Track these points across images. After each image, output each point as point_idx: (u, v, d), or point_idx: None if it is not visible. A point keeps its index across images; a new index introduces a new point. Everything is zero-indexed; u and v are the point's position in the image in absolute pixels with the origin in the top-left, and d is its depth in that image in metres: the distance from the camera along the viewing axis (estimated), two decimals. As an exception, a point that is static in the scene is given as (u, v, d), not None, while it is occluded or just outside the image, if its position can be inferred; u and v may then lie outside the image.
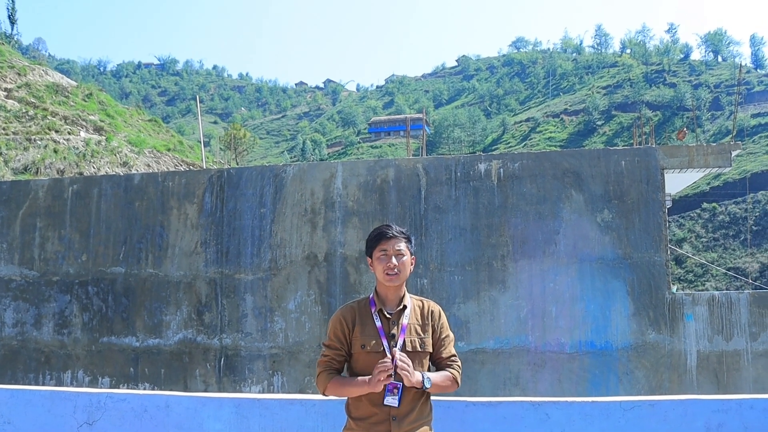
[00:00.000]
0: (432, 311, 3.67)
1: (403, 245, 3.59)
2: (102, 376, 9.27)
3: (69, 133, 25.98)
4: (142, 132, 32.35)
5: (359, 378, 3.44)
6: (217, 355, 8.98)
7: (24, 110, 26.52)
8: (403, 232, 3.64)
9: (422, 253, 8.63)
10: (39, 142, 23.77)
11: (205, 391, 8.83)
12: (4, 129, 24.32)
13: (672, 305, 8.15)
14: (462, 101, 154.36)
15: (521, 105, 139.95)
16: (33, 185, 9.91)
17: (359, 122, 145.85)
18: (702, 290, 54.47)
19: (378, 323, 3.54)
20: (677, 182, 10.21)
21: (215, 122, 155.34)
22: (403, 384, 3.43)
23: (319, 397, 4.88)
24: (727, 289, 55.55)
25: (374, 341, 3.50)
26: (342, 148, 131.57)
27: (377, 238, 3.63)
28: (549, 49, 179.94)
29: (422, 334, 3.57)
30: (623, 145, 67.04)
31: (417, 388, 3.43)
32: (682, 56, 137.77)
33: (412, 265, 3.65)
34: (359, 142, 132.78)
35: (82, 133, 26.66)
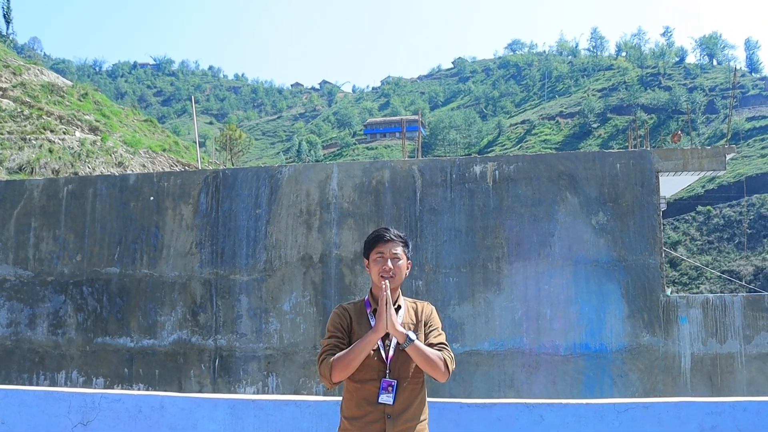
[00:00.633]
0: (424, 311, 3.72)
1: (399, 249, 3.62)
2: (96, 376, 9.25)
3: (64, 133, 25.93)
4: (137, 132, 32.31)
5: (361, 338, 3.43)
6: (212, 355, 8.97)
7: (19, 110, 26.47)
8: (400, 236, 3.67)
9: (417, 255, 8.63)
10: (34, 142, 23.73)
11: (200, 391, 8.82)
12: (-1, 128, 24.26)
13: (666, 308, 8.17)
14: (458, 103, 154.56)
15: (517, 107, 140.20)
16: (28, 185, 9.89)
17: (355, 123, 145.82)
18: (696, 293, 54.62)
19: (373, 323, 3.55)
20: (672, 185, 10.24)
21: (211, 123, 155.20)
22: (398, 382, 3.46)
23: (314, 398, 4.89)
24: (721, 292, 55.66)
25: None
26: (337, 150, 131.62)
27: (374, 241, 3.64)
28: (545, 51, 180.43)
29: (416, 333, 3.58)
30: (618, 148, 67.16)
31: (399, 343, 3.43)
32: (677, 59, 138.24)
33: (407, 269, 3.68)
34: (355, 144, 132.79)
35: (78, 133, 26.61)
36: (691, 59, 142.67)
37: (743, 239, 65.63)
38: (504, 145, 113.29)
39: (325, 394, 8.47)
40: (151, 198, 9.37)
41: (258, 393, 8.70)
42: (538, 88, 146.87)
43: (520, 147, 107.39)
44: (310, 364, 8.64)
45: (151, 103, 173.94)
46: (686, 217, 71.29)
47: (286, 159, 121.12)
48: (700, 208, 71.06)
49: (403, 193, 8.82)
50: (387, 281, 3.45)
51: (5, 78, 29.42)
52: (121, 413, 5.11)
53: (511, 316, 8.37)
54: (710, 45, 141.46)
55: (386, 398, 3.44)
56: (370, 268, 3.65)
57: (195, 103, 50.07)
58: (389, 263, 3.57)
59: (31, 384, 9.30)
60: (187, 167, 29.31)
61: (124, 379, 9.16)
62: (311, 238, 8.93)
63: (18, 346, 9.50)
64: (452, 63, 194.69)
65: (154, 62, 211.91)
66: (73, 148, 24.64)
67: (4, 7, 56.21)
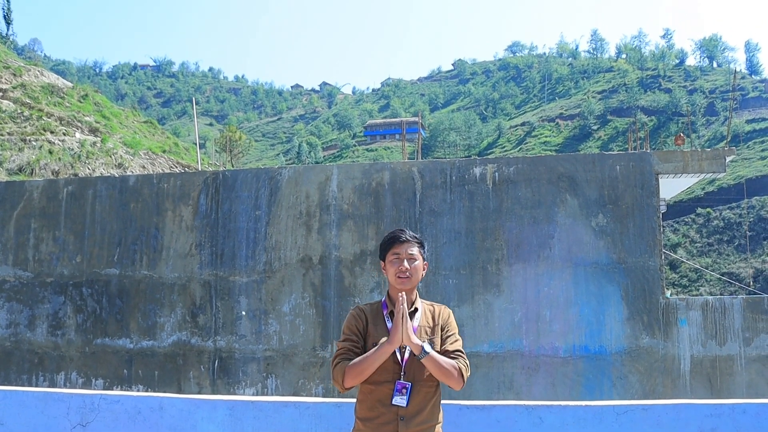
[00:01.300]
0: (441, 314, 3.73)
1: (415, 250, 3.65)
2: (95, 377, 9.25)
3: (64, 134, 25.93)
4: (137, 133, 32.30)
5: (376, 348, 3.44)
6: (211, 357, 8.97)
7: (19, 111, 26.47)
8: (416, 237, 3.70)
9: (417, 257, 8.61)
10: (34, 143, 23.72)
11: (199, 393, 8.82)
12: (-1, 129, 24.26)
13: (666, 310, 8.17)
14: (458, 105, 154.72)
15: (517, 109, 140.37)
16: (28, 186, 9.90)
17: (355, 125, 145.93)
18: (696, 295, 54.57)
19: (389, 324, 3.59)
20: (672, 187, 10.24)
21: (211, 124, 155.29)
22: (412, 384, 3.48)
23: (313, 399, 4.89)
24: (721, 294, 55.65)
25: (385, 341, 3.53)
26: (337, 151, 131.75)
27: (390, 242, 3.67)
28: (545, 53, 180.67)
29: (432, 336, 3.61)
30: (618, 150, 67.13)
31: (415, 354, 3.45)
32: (677, 62, 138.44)
33: (424, 270, 3.70)
34: (355, 145, 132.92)
35: (78, 134, 26.61)
36: (691, 61, 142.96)
37: (743, 241, 65.65)
38: (504, 147, 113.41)
39: (324, 396, 8.48)
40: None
41: (257, 394, 8.70)
42: (538, 90, 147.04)
43: (520, 149, 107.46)
44: (309, 366, 8.64)
45: (151, 104, 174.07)
46: (686, 219, 71.33)
47: (286, 160, 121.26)
48: (699, 210, 71.12)
49: (403, 194, 8.82)
50: (404, 294, 3.45)
51: (5, 79, 29.42)
52: (120, 414, 5.11)
53: (511, 318, 8.37)
54: (710, 47, 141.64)
55: (400, 400, 3.46)
56: (387, 269, 3.67)
57: (195, 104, 50.10)
58: (405, 264, 3.59)
59: (30, 385, 9.29)
60: (187, 169, 29.31)
61: (124, 380, 9.16)
62: (311, 239, 8.93)
63: (17, 347, 9.50)
64: (452, 65, 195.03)
65: (155, 63, 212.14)
66: (73, 149, 24.63)
67: (5, 8, 56.20)
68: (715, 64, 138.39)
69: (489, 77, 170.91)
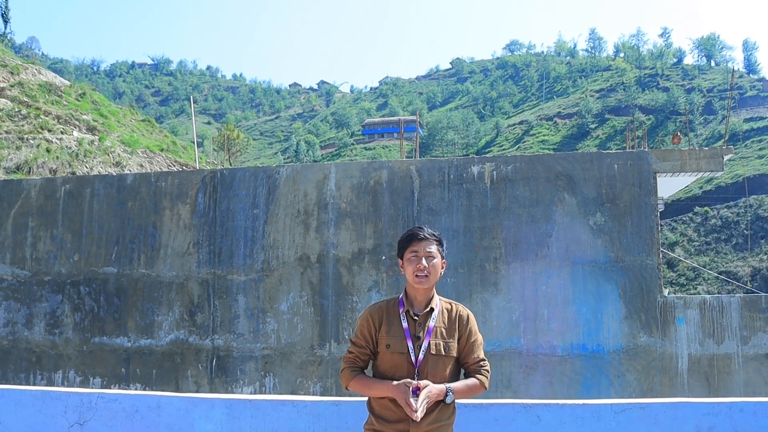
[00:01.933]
0: (460, 315, 3.68)
1: (434, 248, 3.60)
2: (93, 376, 9.24)
3: (62, 133, 25.90)
4: (135, 132, 32.28)
5: (383, 381, 3.49)
6: (209, 355, 8.97)
7: (17, 109, 26.44)
8: (434, 235, 3.65)
9: (415, 255, 8.61)
10: (31, 142, 23.70)
11: (197, 392, 8.81)
12: (-4, 128, 24.23)
13: (664, 308, 8.18)
14: (456, 104, 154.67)
15: (515, 108, 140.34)
16: (25, 184, 9.88)
17: (353, 124, 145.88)
18: (694, 294, 54.63)
19: (404, 324, 3.56)
20: (670, 186, 10.24)
21: (209, 123, 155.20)
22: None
23: (311, 398, 4.88)
24: (718, 293, 55.72)
25: (399, 342, 3.53)
26: (335, 150, 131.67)
27: (408, 240, 3.62)
28: (543, 52, 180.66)
29: (447, 338, 3.58)
30: (616, 149, 67.24)
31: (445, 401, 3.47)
32: (675, 60, 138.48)
33: (443, 268, 3.66)
34: (353, 144, 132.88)
35: (75, 133, 26.59)
36: (689, 60, 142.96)
37: (741, 240, 65.73)
38: (502, 145, 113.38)
39: (322, 395, 8.47)
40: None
41: (255, 393, 8.69)
42: (536, 88, 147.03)
43: (518, 147, 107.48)
44: (307, 365, 8.64)
45: (149, 102, 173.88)
46: (684, 218, 71.37)
47: (284, 159, 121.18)
48: (697, 209, 71.14)
49: (401, 193, 8.82)
50: (413, 400, 3.36)
51: (3, 77, 29.39)
52: (117, 413, 5.10)
53: (509, 317, 8.38)
54: (708, 46, 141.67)
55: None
56: (405, 267, 3.63)
57: (193, 103, 50.07)
58: (424, 262, 3.55)
59: (28, 384, 9.28)
60: (184, 167, 29.29)
61: (121, 379, 9.15)
62: (309, 238, 8.93)
63: (15, 345, 9.49)
64: (450, 63, 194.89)
65: (152, 62, 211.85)
66: (70, 147, 24.61)
67: (2, 6, 56.06)
68: (713, 63, 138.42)
69: (487, 76, 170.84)
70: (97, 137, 26.91)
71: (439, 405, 3.50)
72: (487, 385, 3.61)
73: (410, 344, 3.52)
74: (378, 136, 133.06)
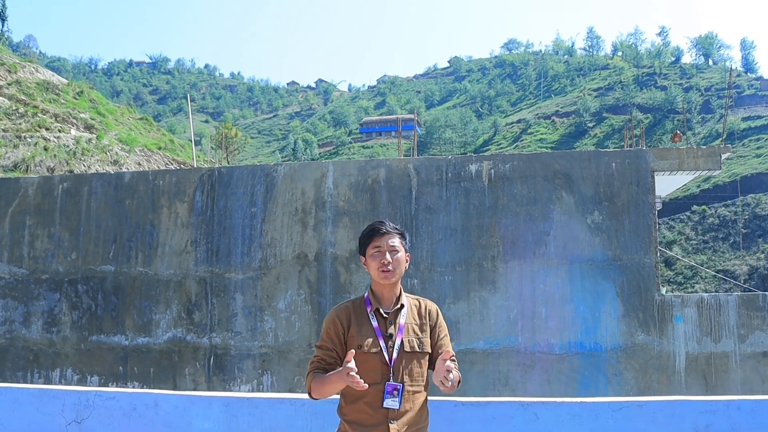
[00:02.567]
0: (429, 310, 3.58)
1: (397, 241, 3.47)
2: (91, 374, 9.24)
3: (59, 131, 25.87)
4: (132, 130, 32.24)
5: (330, 373, 3.29)
6: (207, 354, 8.97)
7: (14, 107, 26.39)
8: (396, 228, 3.52)
9: (413, 254, 8.63)
10: (29, 140, 23.67)
11: (195, 390, 8.81)
12: (-7, 126, 24.21)
13: (661, 307, 8.19)
14: (453, 102, 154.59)
15: (513, 106, 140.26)
16: (23, 183, 9.87)
17: (351, 122, 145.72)
18: (691, 292, 54.70)
19: (374, 323, 3.42)
20: (667, 184, 10.26)
21: (206, 121, 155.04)
22: (403, 386, 3.33)
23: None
24: (716, 292, 55.79)
25: (371, 341, 3.37)
26: (333, 148, 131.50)
27: (370, 235, 3.50)
28: (541, 51, 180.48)
29: (420, 334, 3.47)
30: (614, 147, 67.20)
31: (444, 385, 3.21)
32: (673, 59, 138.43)
33: (407, 261, 3.53)
34: (351, 142, 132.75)
35: (73, 131, 26.55)
36: (686, 59, 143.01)
37: (738, 239, 65.81)
38: (500, 144, 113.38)
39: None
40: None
41: (253, 391, 8.69)
42: (534, 87, 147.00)
43: (516, 146, 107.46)
44: (305, 363, 8.64)
45: (146, 101, 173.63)
46: (681, 217, 71.42)
47: (282, 157, 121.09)
48: (695, 207, 71.20)
49: (399, 191, 8.82)
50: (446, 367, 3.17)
51: (0, 76, 29.34)
52: (115, 411, 5.10)
53: (507, 315, 8.38)
54: (706, 45, 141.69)
55: (392, 403, 3.30)
56: (368, 264, 3.49)
57: (191, 101, 50.01)
58: (387, 256, 3.42)
59: (25, 382, 9.28)
60: (182, 165, 29.26)
61: (119, 377, 9.14)
62: (306, 236, 8.93)
63: (12, 344, 9.48)
64: (448, 62, 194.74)
65: (150, 60, 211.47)
66: (68, 146, 24.58)
67: (0, 4, 55.99)
68: (710, 62, 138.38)
69: (485, 74, 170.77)
70: (94, 135, 26.88)
71: (418, 403, 3.40)
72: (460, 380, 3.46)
73: (382, 343, 3.37)
74: (376, 134, 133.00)
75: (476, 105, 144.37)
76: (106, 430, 5.10)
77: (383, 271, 3.41)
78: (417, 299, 3.62)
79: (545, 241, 8.44)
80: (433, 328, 3.53)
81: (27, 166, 21.86)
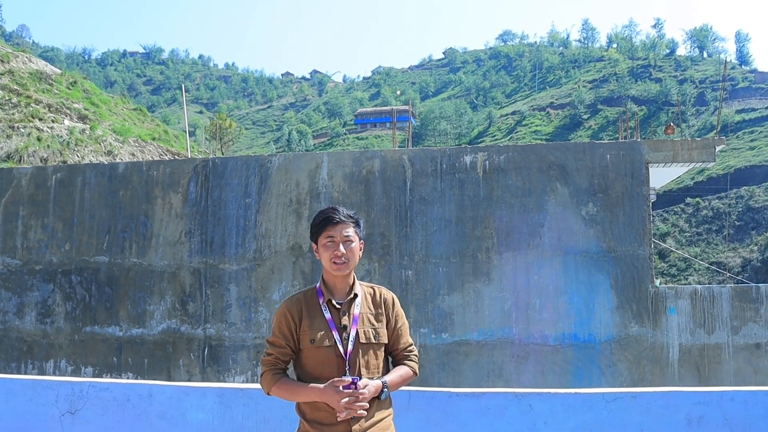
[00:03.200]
0: (385, 298, 3.41)
1: (351, 231, 3.30)
2: (85, 365, 9.23)
3: (53, 122, 25.78)
4: (126, 121, 32.16)
5: (311, 385, 3.15)
6: (201, 345, 8.96)
7: (7, 98, 26.29)
8: (351, 216, 3.34)
9: (407, 245, 8.63)
10: (22, 130, 23.59)
11: (189, 380, 8.81)
12: (-14, 116, 24.10)
13: (655, 299, 8.21)
14: (448, 94, 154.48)
15: (507, 98, 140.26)
16: (16, 173, 9.83)
17: (345, 113, 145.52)
18: (685, 284, 54.87)
19: (327, 315, 3.26)
20: (662, 176, 10.26)
21: (201, 112, 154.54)
22: (359, 378, 3.15)
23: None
24: (709, 284, 55.98)
25: (324, 335, 3.21)
26: (328, 140, 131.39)
27: (323, 224, 3.30)
28: (536, 42, 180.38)
29: (376, 324, 3.31)
30: (608, 139, 67.36)
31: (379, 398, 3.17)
32: (668, 51, 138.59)
33: (360, 251, 3.39)
34: (345, 134, 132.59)
35: (66, 122, 26.46)
36: (681, 51, 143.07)
37: (731, 231, 66.00)
38: (494, 135, 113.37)
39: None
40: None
41: (247, 382, 8.69)
42: (528, 79, 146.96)
43: (511, 138, 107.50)
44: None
45: (140, 91, 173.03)
46: (675, 209, 71.58)
47: (276, 148, 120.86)
48: (689, 199, 71.37)
49: (394, 182, 8.81)
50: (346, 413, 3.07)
51: (-7, 65, 29.21)
52: (109, 402, 5.10)
53: (501, 307, 8.39)
54: (701, 37, 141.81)
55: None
56: (320, 253, 3.32)
57: (185, 92, 49.89)
58: (341, 248, 3.25)
59: (19, 373, 9.26)
60: (176, 156, 29.18)
61: (113, 368, 9.14)
62: (301, 227, 8.92)
63: (6, 335, 9.46)
64: (443, 53, 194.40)
65: (144, 51, 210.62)
66: (61, 136, 24.50)
67: (-8, -6, 55.63)
68: (705, 55, 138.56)
69: (480, 66, 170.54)
70: (88, 126, 26.79)
71: (374, 402, 3.18)
72: (417, 371, 3.37)
73: (336, 335, 3.21)
74: (370, 125, 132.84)
75: (471, 96, 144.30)
76: (100, 421, 5.10)
77: (336, 263, 3.27)
78: (372, 287, 3.47)
79: (540, 232, 8.44)
80: (389, 318, 3.38)
81: (20, 157, 21.78)
